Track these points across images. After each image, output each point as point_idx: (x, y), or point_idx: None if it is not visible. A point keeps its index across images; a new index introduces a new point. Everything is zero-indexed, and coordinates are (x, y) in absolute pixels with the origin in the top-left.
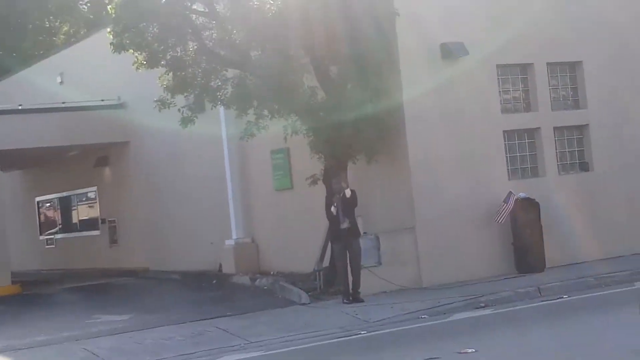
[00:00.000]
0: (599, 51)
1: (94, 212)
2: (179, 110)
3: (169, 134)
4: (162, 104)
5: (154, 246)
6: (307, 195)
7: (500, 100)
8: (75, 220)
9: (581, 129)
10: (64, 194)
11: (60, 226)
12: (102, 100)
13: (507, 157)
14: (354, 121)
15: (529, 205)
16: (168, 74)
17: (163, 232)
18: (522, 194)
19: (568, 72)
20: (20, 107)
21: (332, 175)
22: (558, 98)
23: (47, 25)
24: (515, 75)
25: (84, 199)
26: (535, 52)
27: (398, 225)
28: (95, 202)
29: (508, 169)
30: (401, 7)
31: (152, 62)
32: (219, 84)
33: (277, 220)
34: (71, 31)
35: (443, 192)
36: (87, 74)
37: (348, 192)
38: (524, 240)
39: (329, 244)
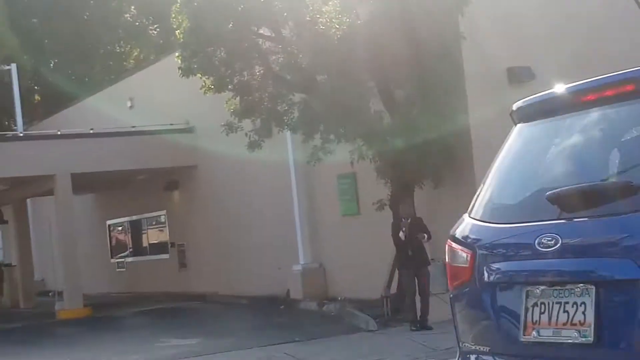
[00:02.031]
0: None
1: (164, 236)
2: (246, 134)
3: (236, 159)
4: (230, 128)
5: (222, 270)
6: (374, 220)
7: None
8: (145, 243)
9: None
10: (134, 217)
11: (131, 250)
12: (171, 124)
13: None
14: (420, 145)
15: None
16: (235, 99)
17: (231, 256)
18: None
19: None
20: (91, 131)
21: (400, 200)
22: None
23: (118, 51)
24: None
25: (153, 223)
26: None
27: None
28: (165, 226)
29: None
30: (467, 31)
31: (219, 87)
32: (286, 108)
33: (344, 245)
34: (141, 56)
35: None
36: (157, 99)
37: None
38: None
39: (396, 270)
